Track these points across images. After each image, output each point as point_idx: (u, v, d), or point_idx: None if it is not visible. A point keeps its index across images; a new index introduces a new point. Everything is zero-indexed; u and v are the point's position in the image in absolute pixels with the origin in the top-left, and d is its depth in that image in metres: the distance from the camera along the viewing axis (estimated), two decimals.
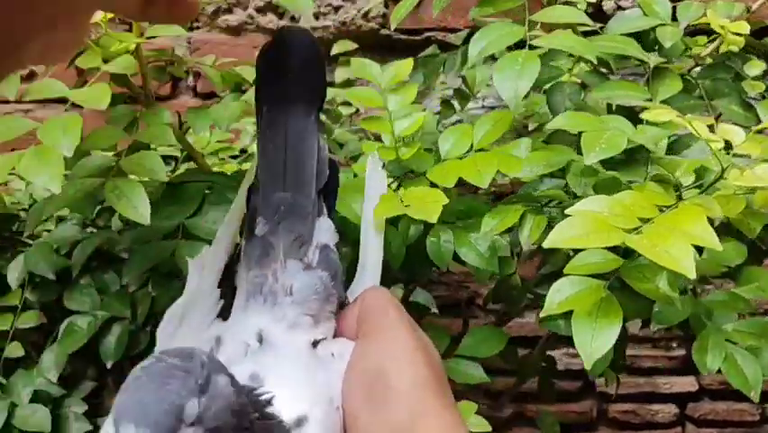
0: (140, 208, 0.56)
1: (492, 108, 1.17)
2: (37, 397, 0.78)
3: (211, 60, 0.71)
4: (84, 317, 0.80)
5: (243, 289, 0.42)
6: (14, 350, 0.82)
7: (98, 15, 0.55)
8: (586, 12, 0.98)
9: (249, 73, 0.71)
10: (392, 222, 0.70)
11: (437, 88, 1.25)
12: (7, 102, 1.22)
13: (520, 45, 0.60)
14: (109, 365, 0.77)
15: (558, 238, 0.47)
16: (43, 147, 0.50)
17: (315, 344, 0.40)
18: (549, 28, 0.67)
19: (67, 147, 0.50)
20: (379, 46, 1.23)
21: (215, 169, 0.88)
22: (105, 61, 0.58)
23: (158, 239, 0.65)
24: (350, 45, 1.10)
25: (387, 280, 0.76)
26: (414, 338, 0.41)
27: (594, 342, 0.49)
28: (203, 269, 0.45)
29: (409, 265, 0.74)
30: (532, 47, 0.58)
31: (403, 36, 1.27)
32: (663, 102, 0.65)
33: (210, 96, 1.22)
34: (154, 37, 0.67)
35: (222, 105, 0.66)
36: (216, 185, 0.70)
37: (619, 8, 1.13)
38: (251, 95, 0.68)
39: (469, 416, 0.70)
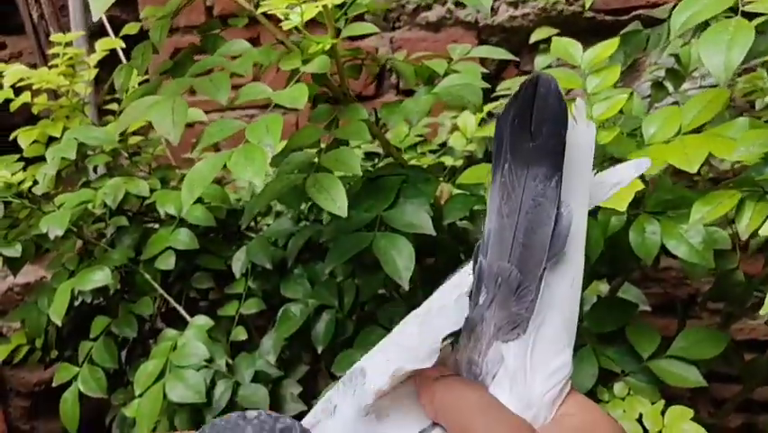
0: (338, 201, 0.58)
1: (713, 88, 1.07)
2: (258, 377, 0.85)
3: (403, 56, 0.73)
4: (297, 305, 0.85)
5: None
6: (239, 334, 0.90)
7: (296, 20, 0.59)
8: None
9: (440, 66, 0.71)
10: (591, 212, 0.66)
11: (648, 70, 1.16)
12: (233, 109, 1.35)
13: (732, 13, 0.53)
14: (320, 350, 0.82)
15: None
16: (249, 145, 0.55)
17: None
18: None
19: (269, 145, 0.54)
20: (583, 30, 1.18)
21: (413, 162, 0.90)
22: (305, 62, 0.61)
23: (357, 230, 0.68)
24: (551, 31, 1.06)
25: (587, 275, 0.73)
26: None
27: None
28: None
29: (611, 259, 0.70)
30: (745, 14, 0.51)
31: (608, 17, 1.20)
32: None
33: (412, 92, 1.25)
34: (356, 38, 0.70)
35: (413, 100, 0.67)
36: (411, 178, 0.72)
37: None
38: (442, 87, 0.68)
39: (682, 422, 0.64)
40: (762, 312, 0.44)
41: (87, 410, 0.92)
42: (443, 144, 1.03)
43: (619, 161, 0.63)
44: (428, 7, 1.22)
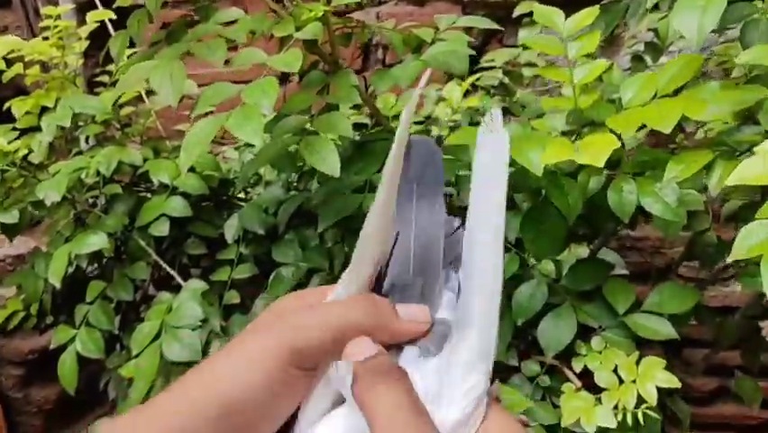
0: (330, 162, 0.61)
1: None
2: None
3: (392, 24, 0.75)
4: (289, 268, 0.88)
5: None
6: (232, 297, 0.93)
7: None
8: None
9: (427, 35, 0.73)
10: (570, 174, 0.70)
11: (627, 43, 1.20)
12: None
13: None
14: None
15: (743, 175, 0.44)
16: (247, 107, 0.57)
17: None
18: None
19: (266, 106, 0.57)
20: (565, 4, 1.20)
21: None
22: (298, 29, 0.64)
23: (347, 193, 0.70)
24: (533, 5, 1.08)
25: (568, 237, 0.76)
26: None
27: None
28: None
29: (589, 220, 0.74)
30: None
31: None
32: None
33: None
34: (342, 13, 0.72)
35: (401, 67, 0.69)
36: None
37: None
38: (429, 54, 0.71)
39: (655, 371, 0.68)
40: (729, 259, 0.47)
41: (82, 377, 0.94)
42: (429, 117, 1.06)
43: (599, 125, 0.66)
44: None
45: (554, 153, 0.58)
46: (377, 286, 0.38)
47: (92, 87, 1.23)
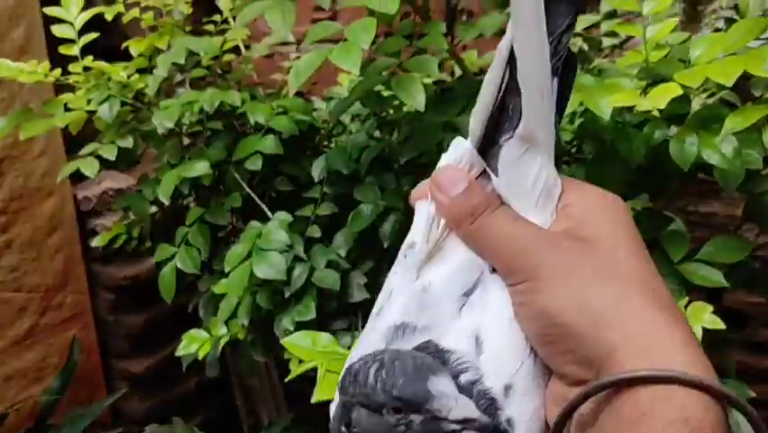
0: (417, 97, 0.68)
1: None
2: (330, 266, 0.97)
3: None
4: (368, 206, 0.96)
5: None
6: (314, 232, 1.02)
7: None
8: None
9: None
10: (638, 126, 0.75)
11: (706, 20, 1.22)
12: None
13: None
14: (386, 245, 0.93)
15: None
16: (348, 43, 0.65)
17: None
18: None
19: (365, 41, 0.64)
20: None
21: None
22: None
23: (429, 130, 0.78)
24: None
25: (629, 185, 0.81)
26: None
27: None
28: None
29: (653, 171, 0.79)
30: None
31: None
32: None
33: None
34: None
35: (488, 18, 0.76)
36: (479, 90, 0.81)
37: None
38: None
39: (703, 314, 0.73)
40: None
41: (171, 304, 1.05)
42: None
43: (668, 80, 0.71)
44: None
45: (621, 99, 0.64)
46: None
47: (198, 34, 1.34)
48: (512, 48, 0.38)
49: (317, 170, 1.05)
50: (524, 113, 0.38)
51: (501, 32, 0.80)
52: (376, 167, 1.02)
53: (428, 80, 1.08)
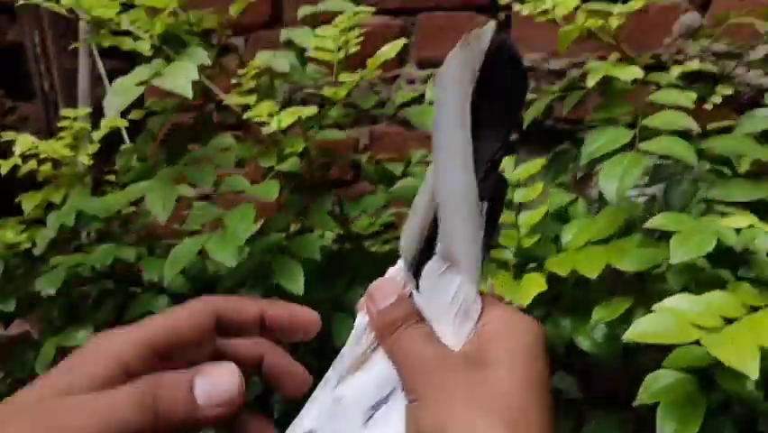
0: (297, 283, 0.69)
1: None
2: None
3: (366, 157, 0.84)
4: None
5: None
6: None
7: (275, 126, 0.71)
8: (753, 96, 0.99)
9: (398, 168, 0.83)
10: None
11: (595, 179, 1.29)
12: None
13: (632, 143, 0.65)
14: (275, 416, 0.91)
15: (637, 332, 0.51)
16: (226, 231, 0.65)
17: None
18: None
19: (243, 230, 0.65)
20: (543, 136, 1.31)
21: (375, 250, 1.01)
22: (280, 162, 0.73)
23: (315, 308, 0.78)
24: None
25: None
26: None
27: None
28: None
29: None
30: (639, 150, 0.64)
31: (567, 126, 1.34)
32: None
33: (389, 179, 1.37)
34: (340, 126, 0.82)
35: (373, 196, 0.78)
36: (367, 264, 0.82)
37: None
38: (398, 187, 0.80)
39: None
40: (634, 403, 0.53)
41: None
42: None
43: (541, 262, 0.74)
44: (407, 104, 1.35)
45: (495, 288, 0.66)
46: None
47: (99, 185, 1.33)
48: None
49: None
50: (441, 233, 0.39)
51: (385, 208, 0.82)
52: None
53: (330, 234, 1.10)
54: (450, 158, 0.38)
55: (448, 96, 0.38)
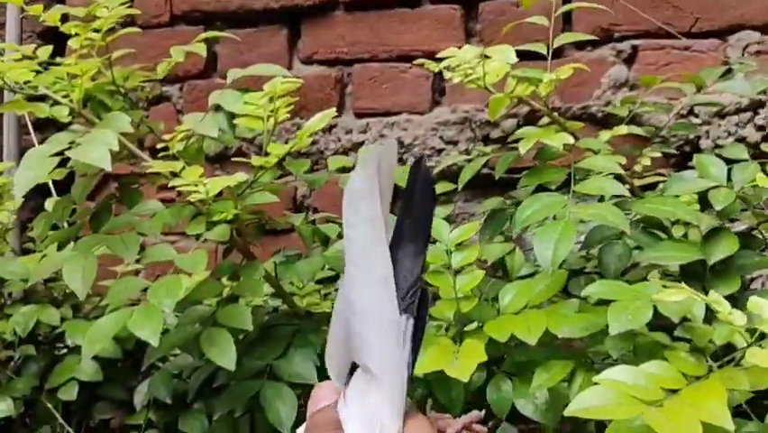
0: (228, 355, 0.65)
1: None
2: None
3: (300, 219, 0.82)
4: None
5: None
6: None
7: (202, 194, 0.68)
8: (682, 148, 1.01)
9: (333, 231, 0.81)
10: None
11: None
12: None
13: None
14: None
15: (579, 408, 0.50)
16: (149, 305, 0.62)
17: None
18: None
19: (168, 305, 0.61)
20: (480, 185, 1.31)
21: (313, 305, 0.98)
22: (209, 229, 0.70)
23: (248, 378, 0.74)
24: (448, 186, 1.18)
25: None
26: None
27: None
28: None
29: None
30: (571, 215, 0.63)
31: (504, 175, 1.34)
32: (723, 261, 0.67)
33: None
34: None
35: (306, 261, 0.76)
36: (303, 328, 0.79)
37: (716, 146, 1.14)
38: (333, 251, 0.77)
39: None
40: None
41: None
42: None
43: (479, 325, 0.73)
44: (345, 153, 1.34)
45: (435, 359, 0.64)
46: None
47: (24, 242, 1.27)
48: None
49: (140, 395, 0.97)
50: (360, 348, 0.39)
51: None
52: (206, 390, 0.97)
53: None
54: (365, 273, 0.38)
55: (361, 212, 0.38)
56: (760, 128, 1.08)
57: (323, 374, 0.76)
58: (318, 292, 1.07)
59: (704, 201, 0.72)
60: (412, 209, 0.41)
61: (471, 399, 0.72)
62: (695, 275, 0.69)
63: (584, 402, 0.51)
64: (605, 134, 0.73)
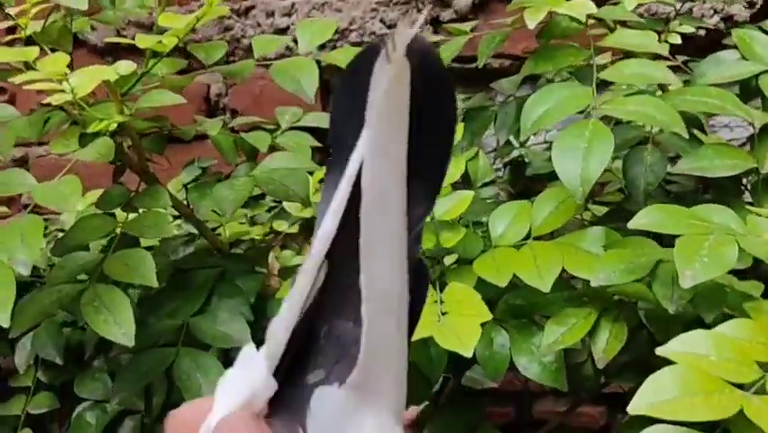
0: (123, 326, 0.46)
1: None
2: None
3: (216, 126, 0.61)
4: (94, 410, 0.72)
5: None
6: None
7: (67, 96, 0.46)
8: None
9: (263, 140, 0.60)
10: None
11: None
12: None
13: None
14: None
15: (646, 403, 0.34)
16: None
17: None
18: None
19: (23, 264, 0.41)
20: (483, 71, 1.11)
21: (240, 234, 0.78)
22: (83, 144, 0.48)
23: (156, 345, 0.55)
24: None
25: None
26: None
27: None
28: None
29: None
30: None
31: (456, 65, 1.15)
32: None
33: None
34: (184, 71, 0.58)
35: (228, 185, 0.55)
36: (229, 270, 0.60)
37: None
38: (263, 169, 0.58)
39: None
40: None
41: None
42: (279, 204, 0.92)
43: (469, 262, 0.55)
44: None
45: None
46: None
47: None
48: (334, 245, 0.23)
49: (22, 354, 0.77)
50: (363, 350, 0.24)
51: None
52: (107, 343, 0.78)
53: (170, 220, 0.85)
54: (385, 256, 0.23)
55: (376, 166, 0.22)
56: None
57: (260, 325, 0.58)
58: (245, 216, 0.88)
59: (746, 91, 0.56)
60: (421, 125, 0.23)
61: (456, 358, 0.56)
62: (735, 192, 0.54)
63: (653, 395, 0.35)
64: (630, 2, 0.54)
